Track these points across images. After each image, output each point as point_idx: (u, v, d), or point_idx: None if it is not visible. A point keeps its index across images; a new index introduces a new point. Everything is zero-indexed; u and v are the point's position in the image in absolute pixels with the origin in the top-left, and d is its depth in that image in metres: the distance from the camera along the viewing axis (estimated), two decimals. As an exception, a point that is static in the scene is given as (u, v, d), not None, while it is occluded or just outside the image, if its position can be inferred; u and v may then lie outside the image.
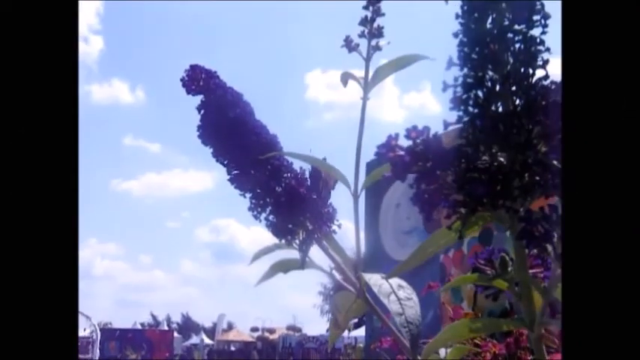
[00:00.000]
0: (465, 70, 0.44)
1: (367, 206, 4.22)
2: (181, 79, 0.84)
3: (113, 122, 57.09)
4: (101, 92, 53.60)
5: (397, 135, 0.43)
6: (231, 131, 0.81)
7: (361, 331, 5.99)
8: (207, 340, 25.11)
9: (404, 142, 0.45)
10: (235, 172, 0.83)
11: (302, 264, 0.82)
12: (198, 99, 0.84)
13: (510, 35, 0.43)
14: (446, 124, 0.45)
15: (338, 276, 0.85)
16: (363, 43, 0.72)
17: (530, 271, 0.48)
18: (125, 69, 60.23)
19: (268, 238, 0.84)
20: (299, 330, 23.93)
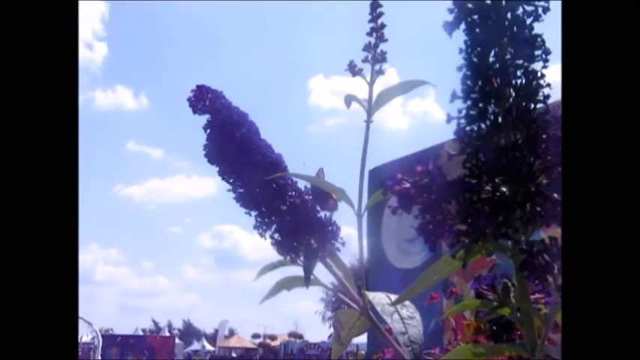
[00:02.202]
0: (469, 102, 0.45)
1: (369, 214, 4.21)
2: (188, 99, 0.85)
3: (116, 128, 57.25)
4: (105, 98, 53.74)
5: (403, 171, 0.45)
6: (237, 151, 0.82)
7: (363, 338, 5.99)
8: (208, 347, 25.08)
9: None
10: (241, 190, 0.84)
11: (307, 282, 0.83)
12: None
13: (512, 70, 0.44)
14: (450, 156, 0.46)
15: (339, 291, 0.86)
16: (367, 68, 0.74)
17: (532, 296, 0.49)
18: (129, 75, 60.37)
19: (271, 247, 0.85)
20: (301, 337, 23.89)
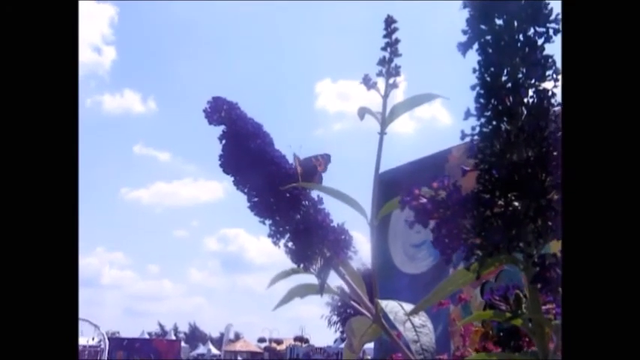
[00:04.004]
0: (482, 120, 0.47)
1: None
2: (204, 111, 0.87)
3: (124, 131, 57.49)
4: (112, 102, 54.01)
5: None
6: (252, 161, 0.84)
7: (370, 344, 5.99)
8: (214, 351, 25.09)
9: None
10: (255, 199, 0.86)
11: (321, 290, 0.84)
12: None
13: (524, 89, 0.46)
14: (464, 171, 0.48)
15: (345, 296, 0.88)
16: (380, 81, 0.76)
17: (544, 307, 0.51)
18: (137, 79, 60.65)
19: (277, 250, 0.87)
20: (306, 341, 23.85)
